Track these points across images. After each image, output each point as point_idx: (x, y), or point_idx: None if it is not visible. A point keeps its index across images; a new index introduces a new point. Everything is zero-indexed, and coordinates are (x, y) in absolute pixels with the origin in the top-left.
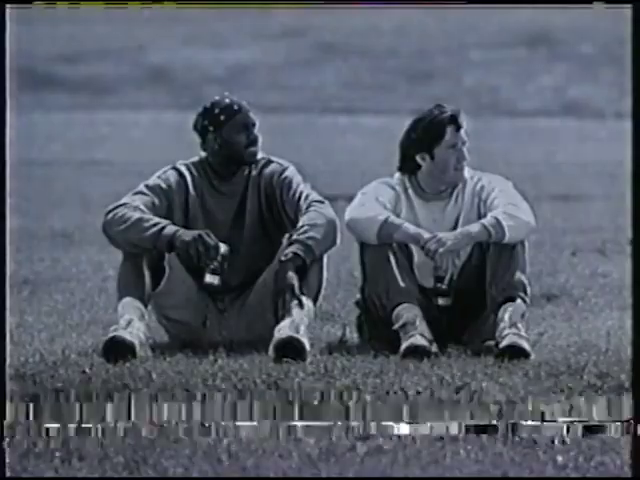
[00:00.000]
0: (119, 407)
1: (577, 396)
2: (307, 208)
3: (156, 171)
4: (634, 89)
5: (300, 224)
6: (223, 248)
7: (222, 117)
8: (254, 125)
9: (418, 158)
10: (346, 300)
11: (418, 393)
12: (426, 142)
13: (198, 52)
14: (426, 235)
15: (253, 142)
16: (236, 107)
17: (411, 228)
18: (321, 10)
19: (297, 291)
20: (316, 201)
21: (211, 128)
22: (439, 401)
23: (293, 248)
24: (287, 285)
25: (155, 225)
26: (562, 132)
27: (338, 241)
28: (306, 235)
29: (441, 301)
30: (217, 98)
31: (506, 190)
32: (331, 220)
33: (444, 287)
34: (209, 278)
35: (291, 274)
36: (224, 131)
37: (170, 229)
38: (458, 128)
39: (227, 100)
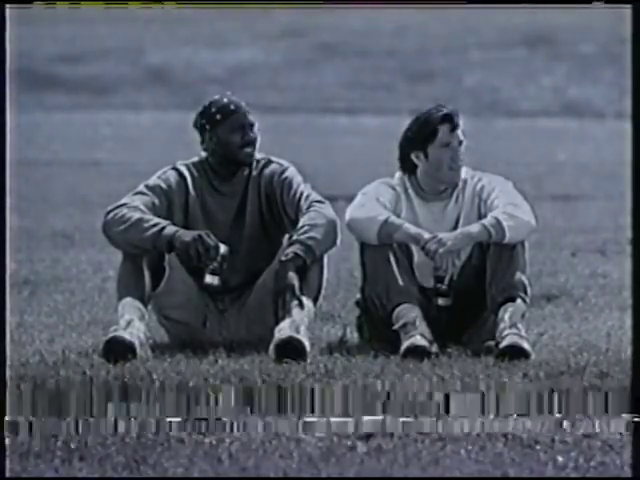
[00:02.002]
0: (119, 407)
1: (577, 396)
2: (307, 208)
3: (156, 171)
4: (634, 89)
5: (300, 224)
6: (223, 248)
7: (218, 116)
8: (251, 126)
9: (413, 157)
10: (346, 300)
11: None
12: (420, 141)
13: (198, 52)
14: (426, 235)
15: (248, 143)
16: (233, 107)
17: (411, 228)
18: (321, 10)
19: (297, 291)
20: (316, 201)
21: (208, 127)
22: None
23: (293, 248)
24: (287, 285)
25: (155, 225)
26: (562, 132)
27: (338, 241)
28: (306, 235)
29: (441, 301)
30: (217, 97)
31: (506, 190)
32: (331, 220)
33: (444, 287)
34: (209, 278)
35: (291, 274)
36: (219, 130)
37: (170, 229)
38: (453, 128)
39: (225, 100)
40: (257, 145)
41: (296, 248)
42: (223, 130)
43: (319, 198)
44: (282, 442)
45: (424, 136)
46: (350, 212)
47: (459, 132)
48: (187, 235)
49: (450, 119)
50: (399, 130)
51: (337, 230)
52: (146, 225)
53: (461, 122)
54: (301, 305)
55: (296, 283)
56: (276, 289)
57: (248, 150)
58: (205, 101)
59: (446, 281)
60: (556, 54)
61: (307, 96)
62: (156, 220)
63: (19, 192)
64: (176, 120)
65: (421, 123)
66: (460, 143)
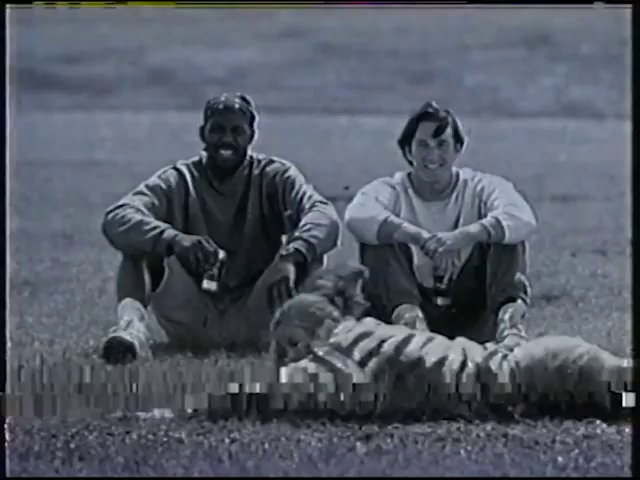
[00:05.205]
0: (119, 408)
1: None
2: (310, 208)
3: (156, 171)
4: (634, 89)
5: (303, 222)
6: (221, 254)
7: (208, 113)
8: (235, 129)
9: (406, 152)
10: None
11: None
12: (406, 138)
13: (198, 52)
14: (426, 235)
15: (225, 145)
16: (221, 107)
17: (411, 228)
18: (321, 10)
19: (292, 284)
20: (319, 201)
21: (202, 123)
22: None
23: (295, 244)
24: (283, 277)
25: (155, 229)
26: (562, 132)
27: (339, 243)
28: (309, 233)
29: (440, 301)
30: (221, 95)
31: (507, 191)
32: (334, 221)
33: (443, 287)
34: (207, 284)
35: (290, 267)
36: (206, 128)
37: (169, 233)
38: (435, 127)
39: (222, 98)
40: (241, 151)
41: (298, 244)
42: (208, 128)
43: (321, 199)
44: (282, 442)
45: (406, 133)
46: (350, 212)
47: (447, 132)
48: (186, 240)
49: (428, 117)
50: (399, 130)
51: (338, 232)
52: (146, 228)
53: (451, 122)
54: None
55: (292, 276)
56: (271, 280)
57: (224, 153)
58: (204, 102)
59: (445, 280)
60: (556, 54)
61: (307, 96)
62: (156, 223)
63: (19, 193)
64: (176, 120)
65: (408, 120)
66: (441, 143)
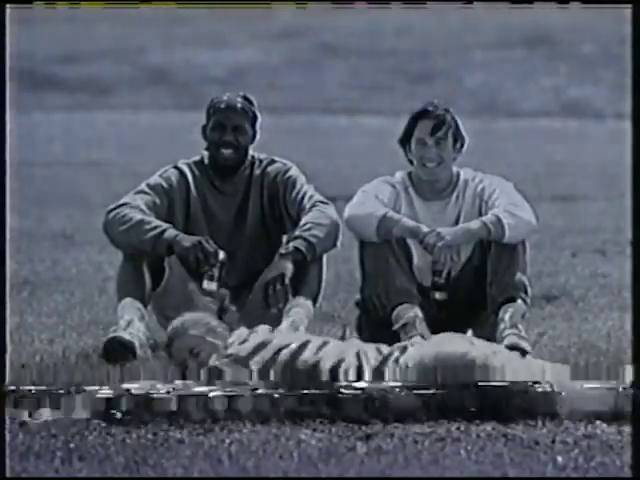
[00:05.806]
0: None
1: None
2: (311, 207)
3: (156, 171)
4: (634, 89)
5: (304, 221)
6: (222, 255)
7: (210, 112)
8: (236, 128)
9: (406, 151)
10: (346, 300)
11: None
12: (405, 136)
13: (198, 52)
14: (425, 229)
15: (226, 144)
16: (223, 105)
17: (410, 222)
18: (321, 10)
19: (287, 280)
20: (320, 201)
21: (204, 122)
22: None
23: (295, 243)
24: (279, 274)
25: (155, 228)
26: (562, 132)
27: (338, 243)
28: (309, 232)
29: (438, 295)
30: (224, 94)
31: (507, 191)
32: (334, 221)
33: (441, 281)
34: (206, 285)
35: (288, 265)
36: (208, 127)
37: (170, 233)
38: (433, 125)
39: (224, 97)
40: (242, 150)
41: (298, 243)
42: (210, 127)
43: (322, 199)
44: (282, 442)
45: (407, 132)
46: (349, 209)
47: (444, 130)
48: (187, 240)
49: (426, 116)
50: (399, 130)
51: (339, 232)
52: (147, 227)
53: (449, 121)
54: (286, 297)
55: (288, 273)
56: (267, 277)
57: (225, 151)
58: (204, 102)
59: (444, 275)
60: (556, 54)
61: (307, 96)
62: (157, 223)
63: (19, 192)
64: (176, 120)
65: (408, 119)
66: (439, 141)
